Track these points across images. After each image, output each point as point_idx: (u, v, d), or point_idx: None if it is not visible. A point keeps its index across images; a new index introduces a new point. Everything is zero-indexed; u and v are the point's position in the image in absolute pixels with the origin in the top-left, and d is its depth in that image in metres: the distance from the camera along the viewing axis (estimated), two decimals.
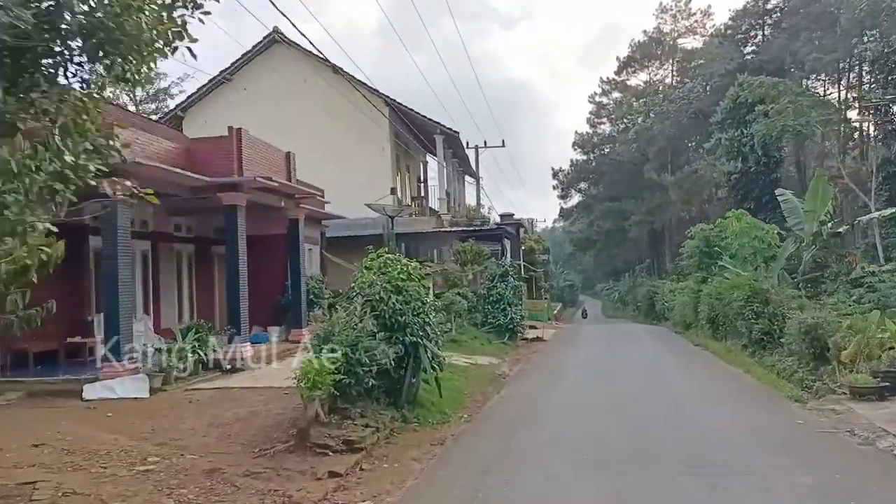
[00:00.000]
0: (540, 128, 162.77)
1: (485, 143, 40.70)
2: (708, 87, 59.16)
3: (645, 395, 12.66)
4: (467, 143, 39.40)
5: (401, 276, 10.42)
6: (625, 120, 66.64)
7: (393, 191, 27.37)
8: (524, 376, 16.30)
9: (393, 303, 10.01)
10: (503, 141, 41.26)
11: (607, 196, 69.16)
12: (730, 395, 13.03)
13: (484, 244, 26.76)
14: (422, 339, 10.33)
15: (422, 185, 35.61)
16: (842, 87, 49.93)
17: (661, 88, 64.21)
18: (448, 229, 27.99)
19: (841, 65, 47.17)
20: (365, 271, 10.49)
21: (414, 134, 30.65)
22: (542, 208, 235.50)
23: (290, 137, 25.77)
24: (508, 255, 29.43)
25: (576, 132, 71.36)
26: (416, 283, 10.66)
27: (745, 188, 47.47)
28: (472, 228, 27.72)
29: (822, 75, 50.24)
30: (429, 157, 35.28)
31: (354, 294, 10.19)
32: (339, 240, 24.32)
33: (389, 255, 10.95)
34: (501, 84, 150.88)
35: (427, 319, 10.57)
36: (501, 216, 31.90)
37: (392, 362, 9.83)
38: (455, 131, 28.95)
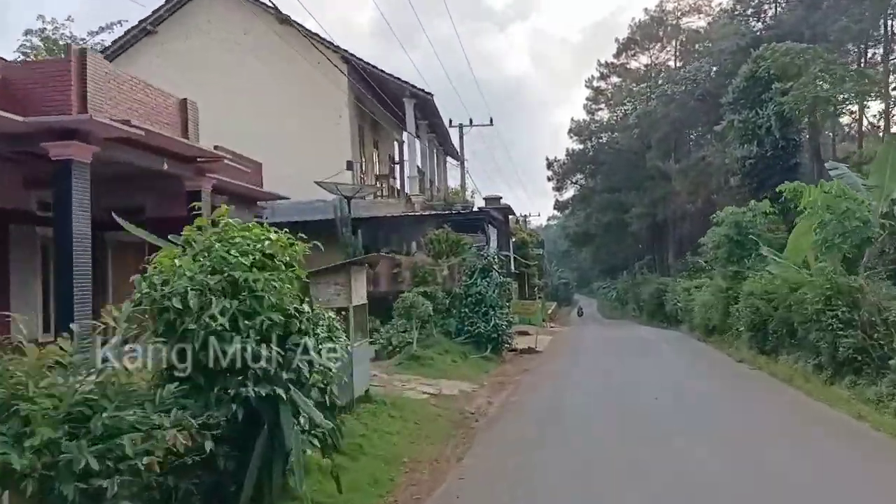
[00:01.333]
0: (536, 125, 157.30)
1: (470, 120, 35.34)
2: (715, 69, 53.94)
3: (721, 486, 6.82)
4: (450, 122, 34.02)
5: (244, 258, 5.08)
6: (625, 104, 61.33)
7: (350, 165, 21.94)
8: (507, 418, 10.79)
9: (214, 316, 4.67)
10: (491, 119, 35.85)
11: (606, 187, 63.82)
12: None
13: (468, 235, 21.38)
14: (286, 392, 5.02)
15: (396, 166, 30.24)
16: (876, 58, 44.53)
17: (663, 71, 58.90)
18: (419, 213, 22.65)
19: (874, 33, 41.84)
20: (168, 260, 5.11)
21: (385, 102, 25.23)
22: (537, 207, 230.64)
23: (228, 104, 20.56)
24: (494, 244, 24.09)
25: (572, 119, 66.22)
26: (282, 274, 5.31)
27: (760, 175, 42.10)
28: (448, 213, 22.35)
29: (851, 45, 44.77)
30: (406, 137, 29.91)
31: (137, 302, 4.85)
32: (283, 227, 18.95)
33: (232, 221, 5.53)
34: (497, 81, 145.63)
35: (304, 349, 5.24)
36: (486, 199, 26.53)
37: (213, 441, 4.52)
38: (428, 93, 23.49)
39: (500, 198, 27.49)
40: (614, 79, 64.51)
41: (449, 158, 35.14)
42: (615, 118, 65.10)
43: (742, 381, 14.61)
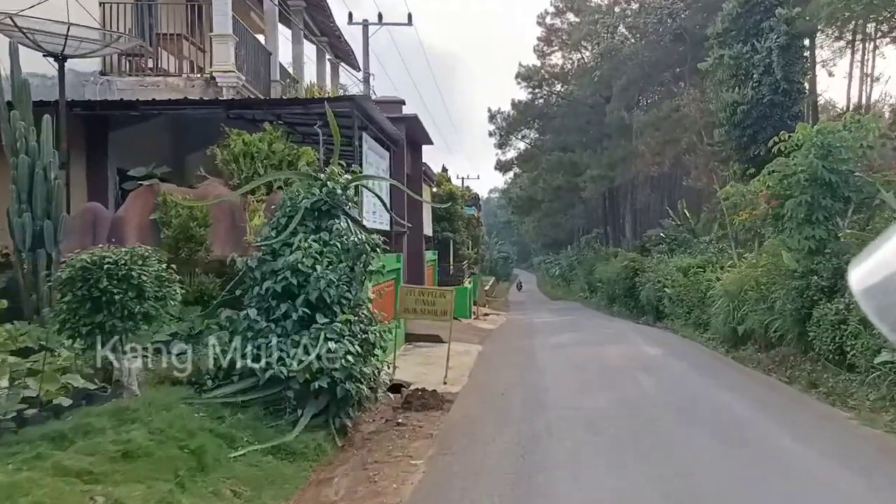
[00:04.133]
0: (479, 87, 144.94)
1: (379, 16, 23.55)
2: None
3: None
4: (350, 16, 22.28)
5: None
6: (583, 45, 50.53)
7: None
8: None
9: None
10: (409, 16, 24.13)
11: (557, 145, 53.26)
12: None
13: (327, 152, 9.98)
14: None
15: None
16: None
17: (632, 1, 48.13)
18: (225, 102, 11.11)
19: None
20: None
21: None
22: (481, 183, 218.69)
23: None
24: (384, 190, 12.52)
25: (520, 64, 54.95)
26: None
27: (754, 126, 31.78)
28: (276, 104, 10.90)
29: None
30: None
31: None
32: None
33: None
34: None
35: None
36: (379, 102, 14.78)
37: None
38: None
39: (403, 103, 16.06)
40: (571, 16, 53.46)
41: (354, 78, 23.20)
42: (570, 64, 54.34)
43: None
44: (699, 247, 27.88)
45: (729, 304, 15.52)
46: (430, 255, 20.72)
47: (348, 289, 7.30)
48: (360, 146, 11.00)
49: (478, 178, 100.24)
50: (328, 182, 7.72)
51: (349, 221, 7.88)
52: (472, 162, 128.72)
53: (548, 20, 53.91)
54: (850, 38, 34.89)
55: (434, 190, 24.46)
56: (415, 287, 10.17)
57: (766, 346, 14.26)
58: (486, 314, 28.25)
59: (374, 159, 11.98)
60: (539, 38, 54.40)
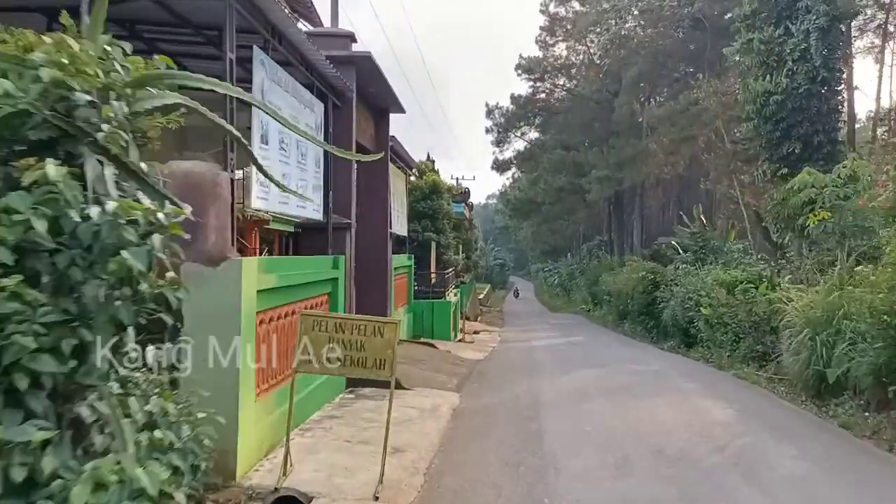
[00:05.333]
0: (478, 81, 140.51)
1: None
2: None
3: None
4: None
5: None
6: (590, 33, 45.99)
7: None
8: None
9: None
10: None
11: (559, 143, 48.67)
12: None
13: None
14: None
15: None
16: None
17: None
18: None
19: None
20: None
21: None
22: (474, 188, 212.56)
23: None
24: (308, 158, 7.82)
25: (520, 56, 50.26)
26: None
27: (787, 119, 27.13)
28: None
29: None
30: None
31: None
32: None
33: None
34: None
35: None
36: (314, 35, 10.14)
37: None
38: None
39: (352, 38, 11.31)
40: (576, 4, 48.91)
41: None
42: (575, 56, 49.82)
43: None
44: (730, 256, 23.26)
45: (812, 337, 10.85)
46: (402, 261, 16.04)
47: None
48: (253, 76, 6.33)
49: (473, 179, 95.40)
50: (61, 72, 3.11)
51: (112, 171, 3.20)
52: (471, 170, 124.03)
53: (551, 7, 49.36)
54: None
55: (413, 179, 19.75)
56: (326, 318, 5.50)
57: (878, 403, 9.58)
58: (477, 331, 23.55)
59: (282, 103, 7.33)
60: (542, 28, 49.83)
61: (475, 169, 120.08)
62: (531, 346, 19.33)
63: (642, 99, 42.37)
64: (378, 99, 12.61)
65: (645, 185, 45.64)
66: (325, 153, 9.24)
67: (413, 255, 17.60)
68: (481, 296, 46.50)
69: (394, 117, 13.99)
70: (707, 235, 29.92)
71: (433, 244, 19.79)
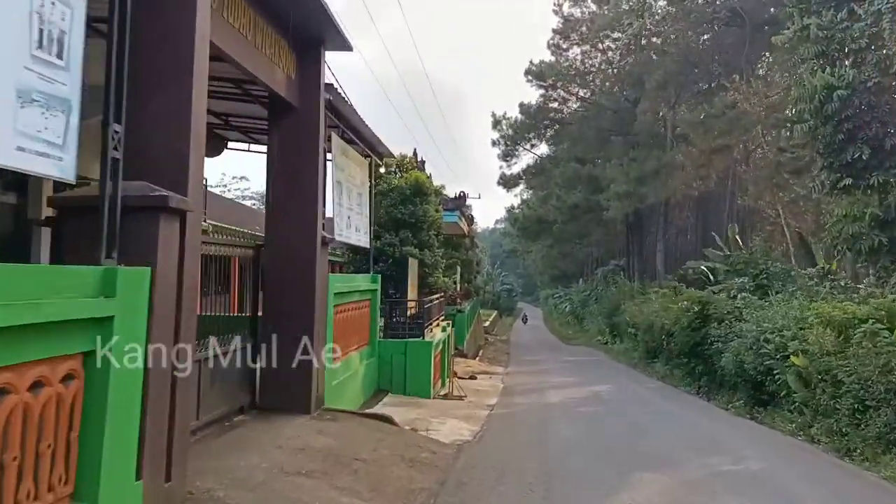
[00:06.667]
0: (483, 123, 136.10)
1: None
2: None
3: None
4: None
5: None
6: (608, 35, 41.35)
7: None
8: None
9: None
10: None
11: (573, 156, 43.80)
12: None
13: None
14: None
15: None
16: None
17: None
18: None
19: None
20: None
21: None
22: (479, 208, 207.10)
23: None
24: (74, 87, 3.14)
25: (531, 62, 45.58)
26: None
27: (853, 119, 21.74)
28: None
29: None
30: None
31: None
32: None
33: None
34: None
35: None
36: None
37: None
38: None
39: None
40: (592, 5, 44.36)
41: None
42: (591, 61, 45.18)
43: None
44: (804, 282, 18.00)
45: None
46: (360, 282, 10.94)
47: None
48: None
49: (479, 197, 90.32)
50: None
51: None
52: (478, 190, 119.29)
53: (565, 8, 44.85)
54: None
55: (382, 171, 14.63)
56: None
57: None
58: (474, 375, 18.29)
59: None
60: (555, 31, 45.25)
61: (482, 190, 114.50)
62: (544, 402, 14.05)
63: (668, 105, 37.37)
64: (301, 18, 7.51)
65: (670, 202, 40.50)
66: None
67: (383, 275, 12.57)
68: (486, 323, 41.29)
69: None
70: (753, 257, 24.86)
71: (413, 263, 14.64)
